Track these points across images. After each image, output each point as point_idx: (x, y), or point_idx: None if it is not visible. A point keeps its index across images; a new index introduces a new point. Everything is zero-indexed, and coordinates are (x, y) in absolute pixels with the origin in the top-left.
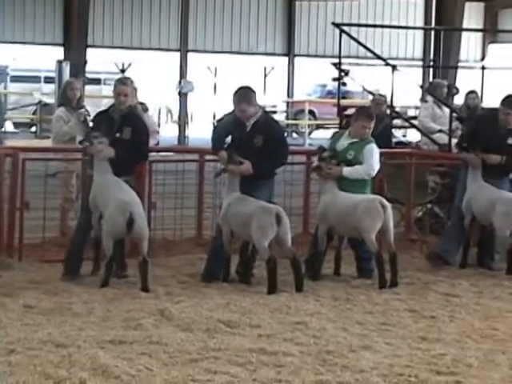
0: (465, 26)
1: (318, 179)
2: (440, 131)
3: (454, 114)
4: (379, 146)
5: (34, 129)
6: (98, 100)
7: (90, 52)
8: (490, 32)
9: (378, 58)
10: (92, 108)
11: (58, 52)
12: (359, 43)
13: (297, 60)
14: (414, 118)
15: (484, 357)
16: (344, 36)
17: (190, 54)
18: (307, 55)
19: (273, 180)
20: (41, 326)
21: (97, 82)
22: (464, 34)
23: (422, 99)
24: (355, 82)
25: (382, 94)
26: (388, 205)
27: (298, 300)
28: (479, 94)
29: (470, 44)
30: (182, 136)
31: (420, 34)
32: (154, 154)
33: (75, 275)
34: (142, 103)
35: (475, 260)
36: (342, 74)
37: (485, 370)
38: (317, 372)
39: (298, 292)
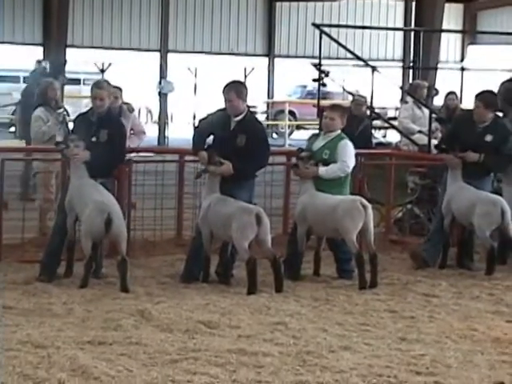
0: (444, 27)
1: (298, 180)
2: (420, 132)
3: (434, 115)
4: (359, 147)
5: (13, 129)
6: (77, 100)
7: (69, 52)
8: (470, 33)
9: (358, 58)
10: (71, 108)
11: (38, 52)
12: (339, 44)
13: (277, 61)
14: (394, 118)
15: (463, 357)
16: (324, 37)
17: (170, 55)
18: (287, 56)
19: (253, 181)
20: (20, 327)
21: (76, 82)
22: (444, 36)
23: (402, 100)
24: (335, 83)
25: (362, 94)
26: (369, 205)
27: (278, 300)
28: (459, 95)
29: (449, 45)
30: (161, 136)
31: (400, 35)
32: (133, 154)
33: (51, 277)
34: (127, 104)
35: (455, 260)
36: (322, 74)
37: (464, 371)
38: (296, 372)
39: (277, 292)
